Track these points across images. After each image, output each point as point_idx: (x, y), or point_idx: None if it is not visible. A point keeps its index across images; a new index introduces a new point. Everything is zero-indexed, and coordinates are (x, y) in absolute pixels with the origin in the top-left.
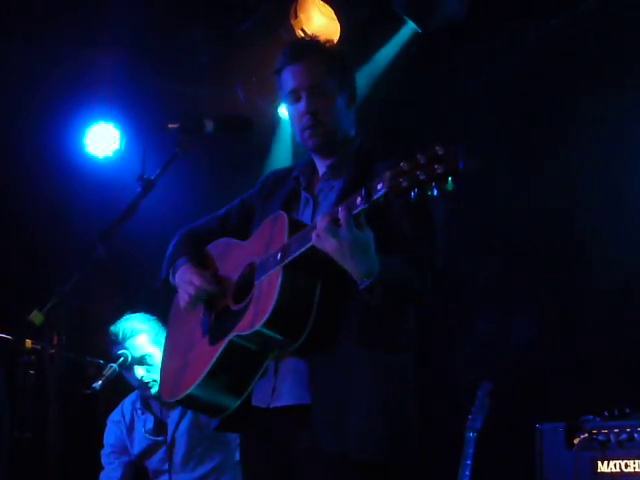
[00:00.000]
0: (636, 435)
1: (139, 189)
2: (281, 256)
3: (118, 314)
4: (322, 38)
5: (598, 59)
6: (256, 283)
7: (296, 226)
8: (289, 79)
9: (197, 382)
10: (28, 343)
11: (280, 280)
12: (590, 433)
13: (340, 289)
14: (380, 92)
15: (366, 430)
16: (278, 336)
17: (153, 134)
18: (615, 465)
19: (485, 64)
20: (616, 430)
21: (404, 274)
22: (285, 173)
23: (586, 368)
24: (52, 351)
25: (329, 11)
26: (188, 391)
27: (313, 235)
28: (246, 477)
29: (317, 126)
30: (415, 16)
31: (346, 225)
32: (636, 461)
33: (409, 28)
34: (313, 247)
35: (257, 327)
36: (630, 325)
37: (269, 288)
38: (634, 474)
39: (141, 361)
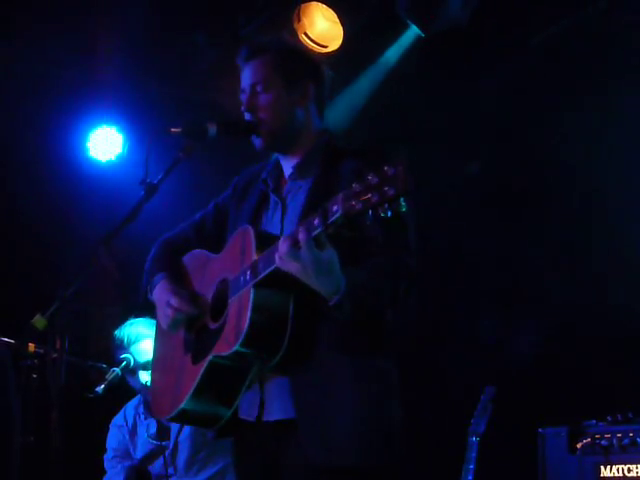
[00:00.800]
0: (639, 439)
1: (142, 193)
2: (250, 275)
3: (121, 318)
4: (282, 34)
5: (600, 63)
6: (229, 301)
7: (264, 239)
8: (241, 80)
9: (186, 399)
10: (31, 347)
11: (252, 299)
12: (593, 438)
13: (314, 300)
14: (383, 96)
15: (350, 436)
16: (256, 353)
17: (156, 138)
18: (618, 470)
19: (487, 68)
20: (619, 434)
21: (375, 286)
22: (257, 173)
23: (589, 372)
24: (54, 355)
25: (332, 15)
26: (179, 408)
27: (276, 257)
28: None
29: (258, 125)
30: (418, 20)
31: (306, 247)
32: (639, 465)
33: (412, 32)
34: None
35: (235, 348)
36: (633, 330)
37: (242, 307)
38: (637, 479)
39: (146, 366)
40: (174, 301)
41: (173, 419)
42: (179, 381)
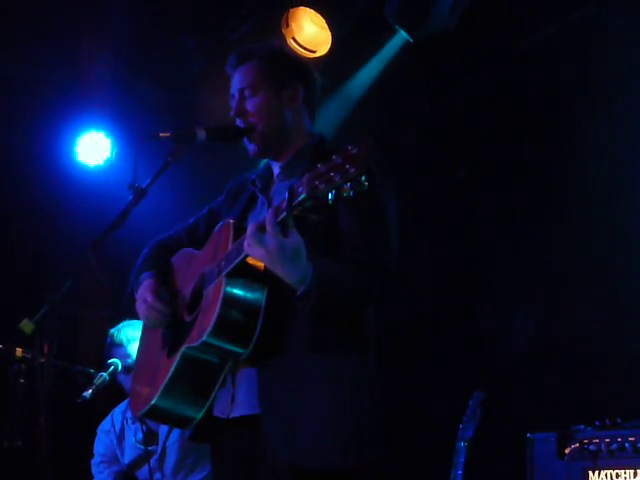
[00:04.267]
0: (627, 445)
1: (130, 198)
2: (223, 265)
3: (109, 323)
4: (270, 41)
5: (588, 68)
6: (204, 293)
7: (241, 233)
8: (230, 87)
9: (158, 394)
10: (19, 352)
11: (223, 289)
12: (581, 443)
13: (288, 295)
14: (370, 101)
15: (317, 436)
16: (226, 345)
17: (145, 143)
18: (606, 475)
19: (475, 73)
20: (607, 440)
21: (345, 278)
22: (247, 178)
23: (577, 377)
24: (42, 360)
25: (320, 20)
26: (151, 403)
27: (245, 243)
28: None
29: (250, 132)
30: (406, 25)
31: (271, 231)
32: (627, 471)
33: (400, 38)
34: (248, 255)
35: (204, 338)
36: (622, 334)
37: (213, 298)
38: None
39: None
40: (150, 298)
41: (145, 415)
42: (155, 376)
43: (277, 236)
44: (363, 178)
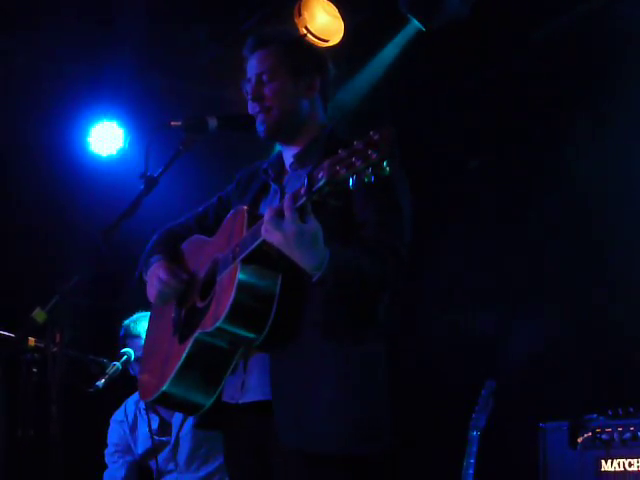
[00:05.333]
0: None
1: (142, 187)
2: (238, 251)
3: (121, 312)
4: (288, 27)
5: (602, 59)
6: (217, 279)
7: (255, 219)
8: (247, 71)
9: (169, 380)
10: (31, 341)
11: (238, 275)
12: (594, 432)
13: (303, 281)
14: (383, 90)
15: (327, 423)
16: (240, 331)
17: (156, 132)
18: (619, 464)
19: (488, 62)
20: (620, 429)
21: (361, 264)
22: (258, 167)
23: (589, 367)
24: (54, 349)
25: (333, 9)
26: (161, 390)
27: (262, 228)
28: (231, 476)
29: (264, 113)
30: (419, 14)
31: (290, 217)
32: None
33: (413, 27)
34: (265, 241)
35: (218, 324)
36: (633, 324)
37: (228, 284)
38: (638, 473)
39: None
40: (163, 274)
41: (155, 401)
42: (165, 362)
43: (296, 222)
44: (385, 163)
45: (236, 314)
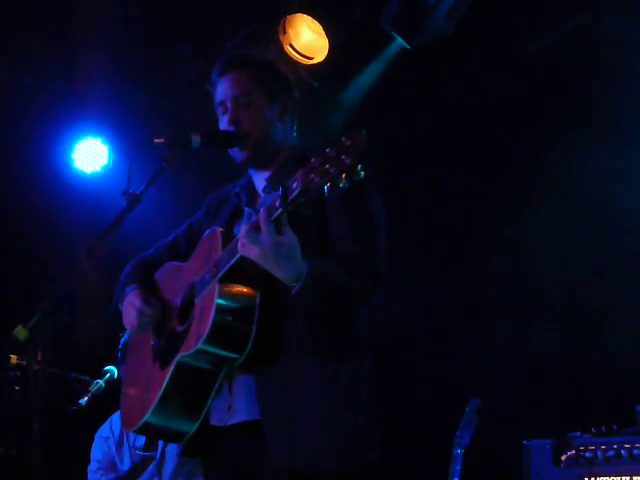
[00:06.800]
0: (623, 452)
1: (124, 203)
2: (215, 270)
3: (104, 330)
4: (259, 49)
5: (586, 75)
6: (196, 301)
7: (230, 240)
8: (219, 92)
9: (151, 409)
10: (13, 359)
11: (216, 295)
12: (577, 450)
13: (283, 298)
14: (367, 108)
15: (317, 440)
16: (222, 352)
17: (139, 149)
18: None
19: (472, 80)
20: (603, 447)
21: (338, 277)
22: (230, 191)
23: (573, 384)
24: (36, 367)
25: (318, 27)
26: (143, 419)
27: (239, 244)
28: None
29: (242, 140)
30: (402, 32)
31: (266, 229)
32: (623, 478)
33: (397, 44)
34: (242, 257)
35: (199, 345)
36: (617, 342)
37: (207, 304)
38: None
39: None
40: (139, 303)
41: (138, 431)
42: (146, 390)
43: (272, 234)
44: (359, 167)
45: (217, 334)
